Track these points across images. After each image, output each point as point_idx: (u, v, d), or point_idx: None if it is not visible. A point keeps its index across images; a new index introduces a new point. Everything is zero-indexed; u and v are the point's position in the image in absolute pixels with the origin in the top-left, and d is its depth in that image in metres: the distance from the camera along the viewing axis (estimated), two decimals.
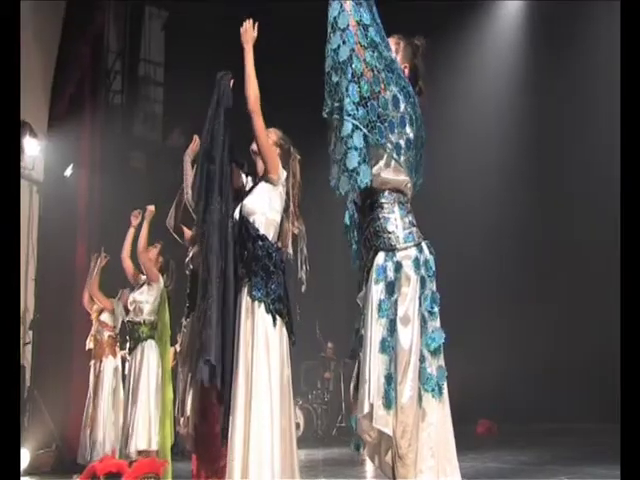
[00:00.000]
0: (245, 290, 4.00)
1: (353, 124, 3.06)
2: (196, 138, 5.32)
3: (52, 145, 10.05)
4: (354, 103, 3.06)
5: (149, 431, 6.24)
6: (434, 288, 3.15)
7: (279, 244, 4.13)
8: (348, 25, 3.09)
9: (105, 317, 7.37)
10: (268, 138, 4.14)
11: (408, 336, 3.02)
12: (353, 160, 3.05)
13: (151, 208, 6.37)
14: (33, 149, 9.60)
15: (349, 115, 3.06)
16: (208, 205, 4.08)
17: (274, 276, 3.98)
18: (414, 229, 3.19)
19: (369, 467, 7.00)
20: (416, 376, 3.03)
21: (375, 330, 3.04)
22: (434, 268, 3.17)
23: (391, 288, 3.07)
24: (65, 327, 9.47)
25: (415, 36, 3.40)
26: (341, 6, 3.12)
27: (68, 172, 10.03)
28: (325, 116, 3.16)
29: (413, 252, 3.14)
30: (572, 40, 11.79)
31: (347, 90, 3.07)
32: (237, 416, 3.83)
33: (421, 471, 3.00)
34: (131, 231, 6.53)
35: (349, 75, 3.07)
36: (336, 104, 3.11)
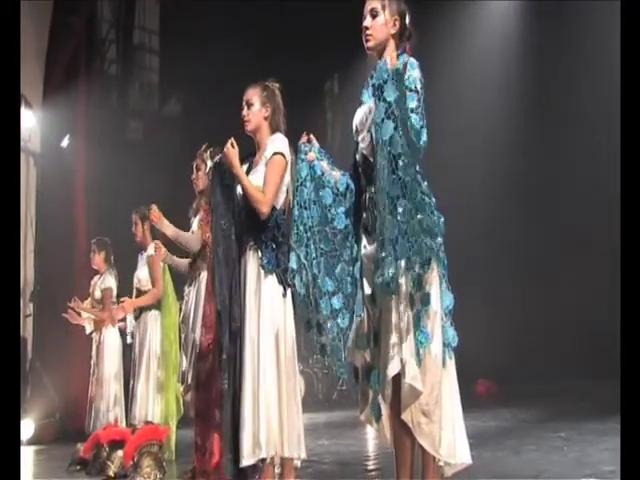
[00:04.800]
0: (251, 259, 4.04)
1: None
2: (154, 208, 5.35)
3: (48, 116, 9.95)
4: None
5: (153, 402, 6.31)
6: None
7: (285, 214, 4.13)
8: None
9: (97, 293, 7.35)
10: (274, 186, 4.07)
11: (435, 294, 3.07)
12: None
13: (126, 303, 6.42)
14: (29, 120, 9.53)
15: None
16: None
17: (283, 246, 3.99)
18: None
19: (370, 429, 7.07)
20: (441, 334, 3.09)
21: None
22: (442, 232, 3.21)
23: None
24: (65, 298, 9.48)
25: None
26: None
27: (65, 143, 9.97)
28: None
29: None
30: (565, 31, 11.87)
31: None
32: (246, 384, 3.89)
33: (444, 428, 3.06)
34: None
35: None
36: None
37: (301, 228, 3.34)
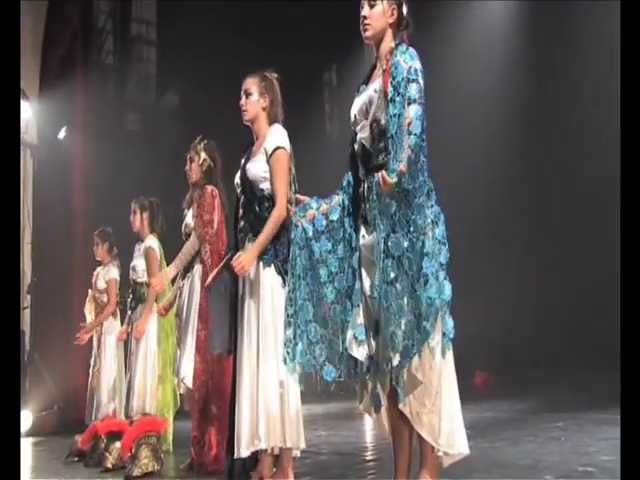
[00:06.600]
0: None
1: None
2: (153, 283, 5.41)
3: (45, 108, 9.92)
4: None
5: (150, 394, 6.30)
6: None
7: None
8: None
9: (101, 284, 7.34)
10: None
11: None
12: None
13: (139, 327, 6.32)
14: (25, 112, 9.47)
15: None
16: None
17: (281, 236, 3.96)
18: None
19: (367, 420, 7.11)
20: (440, 325, 3.09)
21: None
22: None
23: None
24: (63, 290, 9.50)
25: None
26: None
27: (62, 134, 9.96)
28: None
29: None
30: (560, 27, 11.88)
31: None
32: (245, 374, 3.90)
33: (443, 419, 3.08)
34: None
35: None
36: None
37: (299, 300, 3.29)
